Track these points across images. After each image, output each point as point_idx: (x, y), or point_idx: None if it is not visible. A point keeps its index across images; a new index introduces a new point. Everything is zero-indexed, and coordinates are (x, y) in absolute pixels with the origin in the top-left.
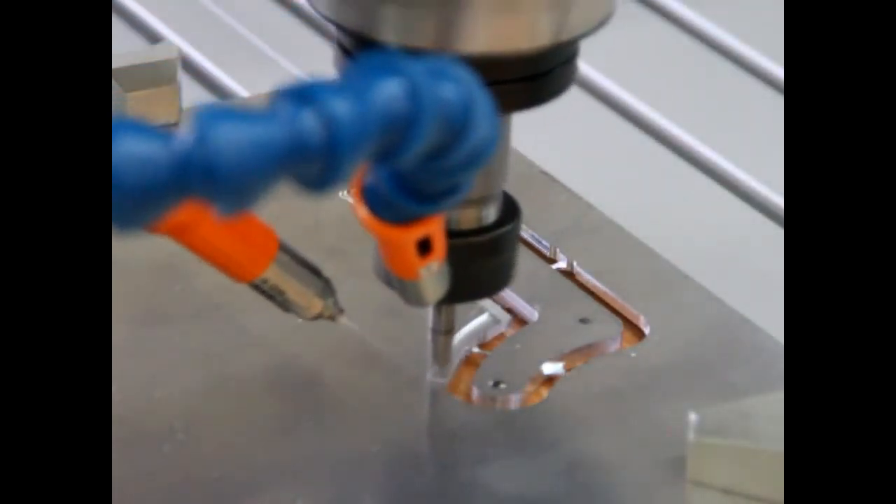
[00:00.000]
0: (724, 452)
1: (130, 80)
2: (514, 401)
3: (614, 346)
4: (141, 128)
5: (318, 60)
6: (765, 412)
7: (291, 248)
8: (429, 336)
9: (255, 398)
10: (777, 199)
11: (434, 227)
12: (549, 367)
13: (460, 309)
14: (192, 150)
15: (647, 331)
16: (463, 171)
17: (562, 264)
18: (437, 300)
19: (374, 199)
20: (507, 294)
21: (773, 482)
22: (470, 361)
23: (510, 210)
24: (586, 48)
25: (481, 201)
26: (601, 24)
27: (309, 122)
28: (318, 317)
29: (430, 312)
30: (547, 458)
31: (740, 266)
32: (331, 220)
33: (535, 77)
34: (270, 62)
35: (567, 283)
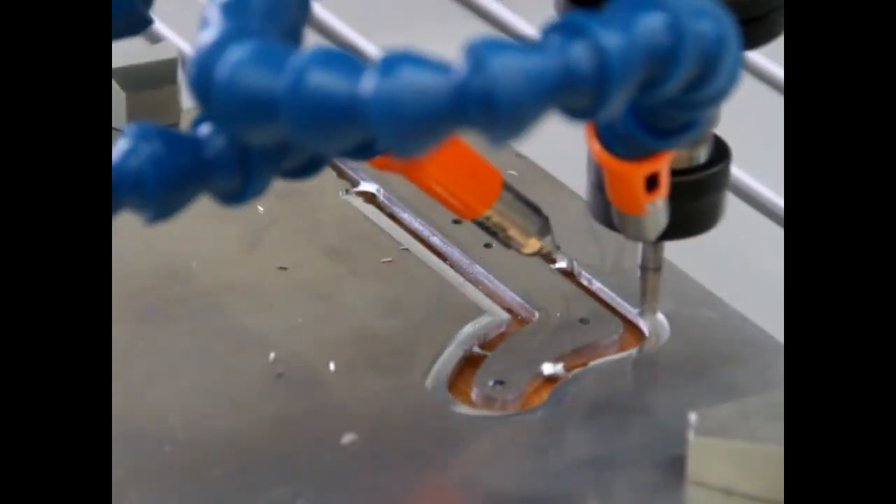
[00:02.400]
0: (724, 452)
1: (130, 80)
2: (514, 401)
3: (614, 346)
4: (419, 58)
5: None
6: (765, 412)
7: (514, 187)
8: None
9: (255, 398)
10: (777, 199)
11: (663, 164)
12: (549, 367)
13: (460, 309)
14: (469, 79)
15: (646, 331)
16: (707, 107)
17: (562, 264)
18: (657, 236)
19: (608, 134)
20: (507, 294)
21: (773, 482)
22: (470, 361)
23: (720, 151)
24: None
25: (694, 142)
26: None
27: (580, 53)
28: (536, 253)
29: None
30: (547, 458)
31: (740, 266)
32: (331, 220)
33: (753, 20)
34: None
35: (567, 283)
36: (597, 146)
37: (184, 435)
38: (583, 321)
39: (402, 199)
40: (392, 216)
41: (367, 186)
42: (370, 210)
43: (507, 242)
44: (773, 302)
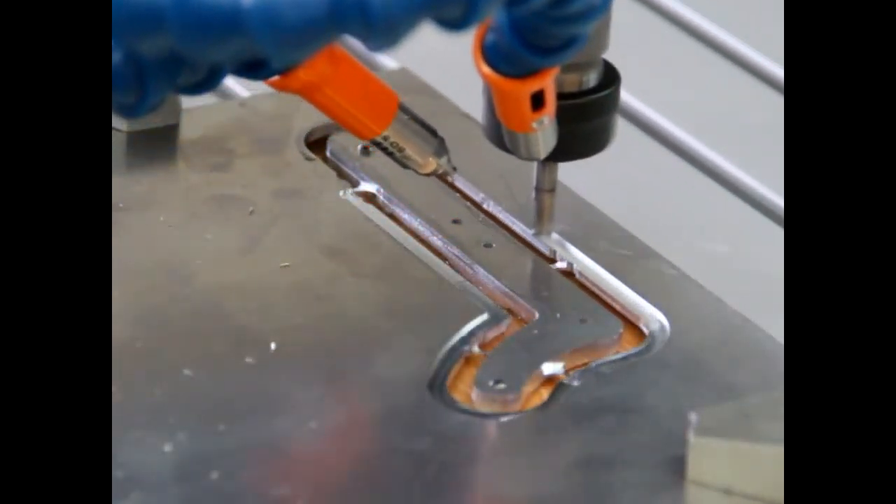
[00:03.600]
0: (724, 452)
1: None
2: (514, 401)
3: (614, 346)
4: None
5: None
6: (765, 412)
7: (410, 109)
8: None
9: (255, 398)
10: (777, 199)
11: (547, 82)
12: (549, 367)
13: (460, 309)
14: None
15: (646, 331)
16: (580, 22)
17: (562, 264)
18: (546, 155)
19: (494, 54)
20: (507, 294)
21: (773, 482)
22: (470, 361)
23: (609, 76)
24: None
25: (583, 67)
26: None
27: None
28: (433, 173)
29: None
30: (547, 458)
31: (740, 266)
32: (331, 220)
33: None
34: None
35: (567, 283)
36: (483, 66)
37: (184, 434)
38: (583, 321)
39: (402, 199)
40: (392, 216)
41: (367, 186)
42: (370, 210)
43: (404, 163)
44: (773, 302)
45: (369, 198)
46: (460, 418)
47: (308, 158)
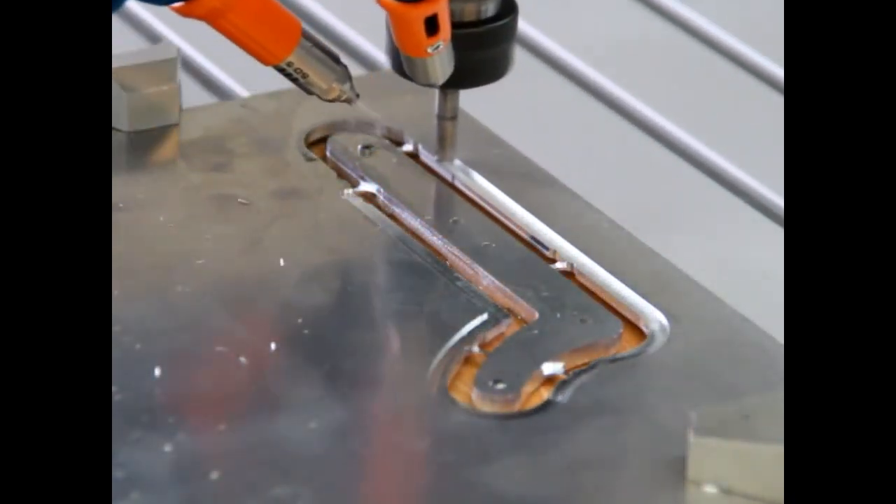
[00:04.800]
0: (724, 452)
1: (130, 80)
2: (514, 401)
3: (614, 346)
4: None
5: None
6: (765, 412)
7: (314, 36)
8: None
9: (256, 397)
10: (777, 199)
11: (440, 7)
12: (549, 367)
13: (460, 309)
14: None
15: (646, 331)
16: None
17: (562, 264)
18: (443, 81)
19: None
20: (507, 294)
21: (773, 482)
22: (470, 361)
23: (507, 5)
24: (586, 48)
25: None
26: None
27: None
28: (336, 99)
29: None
30: (547, 458)
31: (740, 266)
32: (331, 220)
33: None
34: None
35: (567, 283)
36: None
37: (184, 434)
38: (583, 321)
39: (402, 199)
40: (392, 216)
41: (367, 186)
42: (370, 210)
43: (308, 89)
44: (773, 302)
45: (369, 198)
46: (460, 418)
47: (308, 158)
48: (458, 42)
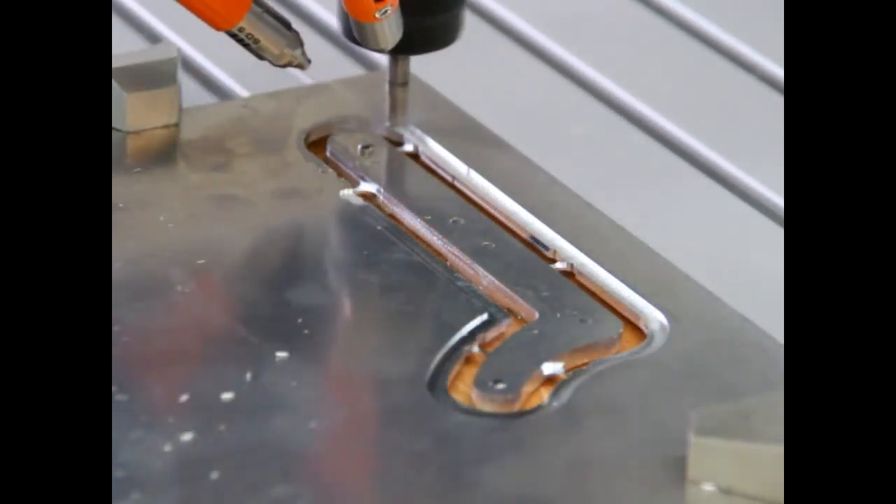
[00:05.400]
0: (724, 452)
1: (130, 80)
2: (514, 401)
3: (614, 347)
4: None
5: (318, 60)
6: (765, 412)
7: (264, 2)
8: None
9: (256, 397)
10: (777, 199)
11: None
12: (549, 367)
13: (460, 309)
14: None
15: (647, 331)
16: None
17: (562, 264)
18: (392, 45)
19: None
20: (507, 294)
21: (773, 482)
22: (470, 361)
23: None
24: (587, 47)
25: None
26: None
27: None
28: (288, 65)
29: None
30: (547, 458)
31: (740, 266)
32: (331, 220)
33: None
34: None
35: (567, 283)
36: None
37: (184, 434)
38: (583, 321)
39: (402, 199)
40: (392, 216)
41: (367, 186)
42: (370, 210)
43: (260, 54)
44: (773, 302)
45: (369, 198)
46: (460, 418)
47: (308, 159)
48: (408, 7)
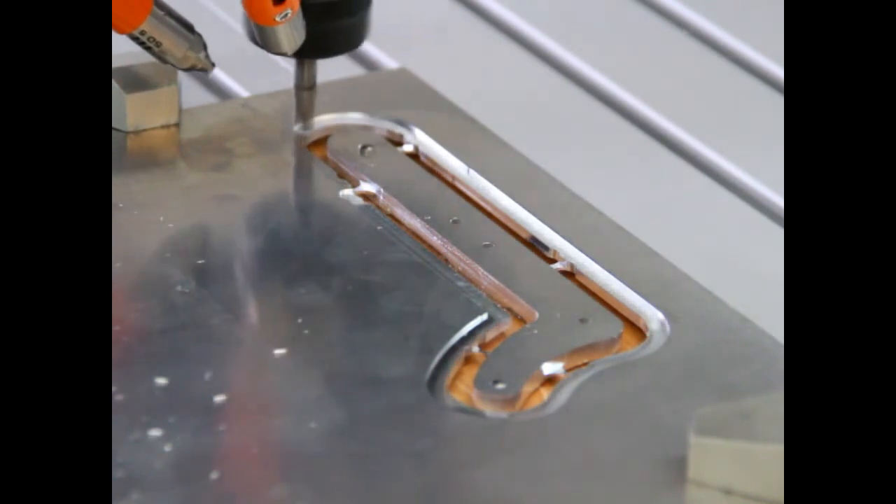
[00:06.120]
0: (724, 452)
1: (130, 80)
2: (514, 401)
3: (614, 346)
4: None
5: (319, 60)
6: (765, 412)
7: (167, 5)
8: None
9: (257, 396)
10: (777, 199)
11: None
12: (549, 367)
13: (460, 309)
14: None
15: (647, 331)
16: None
17: (562, 264)
18: (294, 50)
19: None
20: (507, 294)
21: (773, 482)
22: (470, 361)
23: None
24: (587, 48)
25: None
26: None
27: None
28: (192, 68)
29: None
30: (547, 458)
31: (740, 266)
32: (331, 220)
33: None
34: (270, 62)
35: (567, 283)
36: None
37: (184, 434)
38: (583, 321)
39: (402, 199)
40: (392, 216)
41: (367, 186)
42: (370, 210)
43: (163, 58)
44: (773, 302)
45: (369, 198)
46: (460, 418)
47: (308, 159)
48: (313, 12)
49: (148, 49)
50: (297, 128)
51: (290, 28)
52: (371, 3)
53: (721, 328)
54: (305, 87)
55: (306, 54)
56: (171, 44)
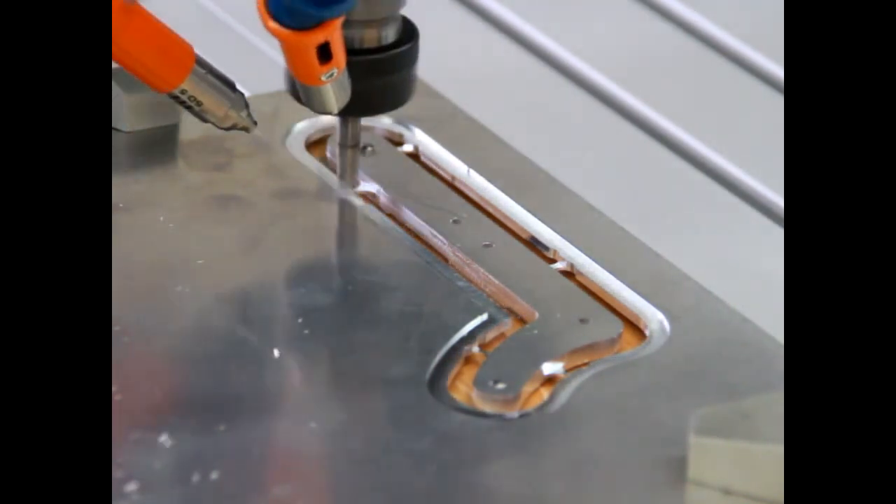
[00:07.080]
0: (724, 452)
1: (130, 80)
2: (514, 401)
3: (614, 346)
4: None
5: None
6: (765, 412)
7: (208, 63)
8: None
9: (257, 396)
10: (777, 199)
11: (332, 34)
12: (549, 367)
13: (460, 309)
14: None
15: (647, 331)
16: None
17: (562, 264)
18: (340, 109)
19: (277, 8)
20: (508, 294)
21: (773, 482)
22: (470, 361)
23: (408, 32)
24: (587, 48)
25: (381, 22)
26: None
27: None
28: (233, 127)
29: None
30: (547, 458)
31: (740, 266)
32: (331, 220)
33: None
34: (270, 62)
35: (567, 283)
36: (269, 21)
37: (184, 434)
38: (583, 321)
39: (402, 199)
40: (392, 216)
41: (367, 186)
42: (370, 210)
43: (203, 116)
44: (773, 302)
45: (369, 198)
46: (460, 418)
47: (308, 159)
48: (358, 69)
49: (188, 108)
50: (339, 185)
51: (337, 87)
52: (416, 60)
53: (721, 328)
54: (350, 144)
55: (351, 112)
56: (212, 103)
